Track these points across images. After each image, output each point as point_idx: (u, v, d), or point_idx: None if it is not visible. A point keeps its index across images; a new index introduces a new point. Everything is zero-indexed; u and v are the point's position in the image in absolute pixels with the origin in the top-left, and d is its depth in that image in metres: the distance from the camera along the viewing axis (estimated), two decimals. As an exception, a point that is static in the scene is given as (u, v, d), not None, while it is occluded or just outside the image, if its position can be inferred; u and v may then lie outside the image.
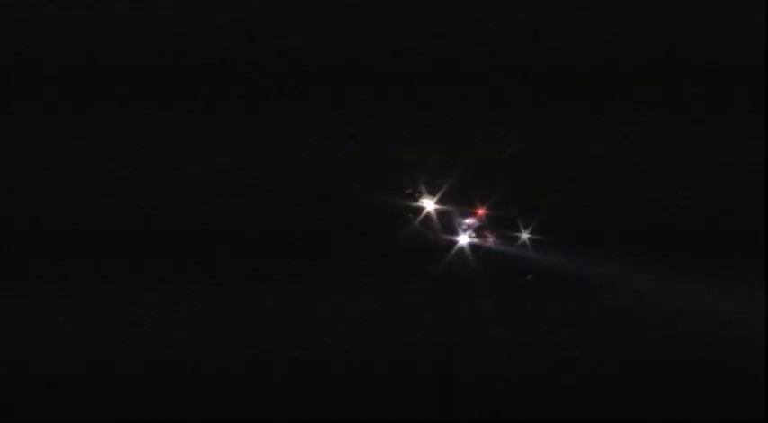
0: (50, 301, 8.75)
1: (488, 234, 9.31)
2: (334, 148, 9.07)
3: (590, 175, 9.08)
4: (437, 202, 9.27)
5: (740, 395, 8.61)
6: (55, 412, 8.63)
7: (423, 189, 9.22)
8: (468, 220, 9.40)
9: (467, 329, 9.10)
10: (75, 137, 8.89)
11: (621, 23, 8.97)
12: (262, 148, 8.98)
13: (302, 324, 8.97)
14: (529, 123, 9.16)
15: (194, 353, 8.81)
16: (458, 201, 9.25)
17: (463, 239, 9.39)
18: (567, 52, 8.96)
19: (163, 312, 8.83)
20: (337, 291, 9.01)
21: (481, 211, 9.31)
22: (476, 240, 9.36)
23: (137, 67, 8.89)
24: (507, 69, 9.03)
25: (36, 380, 8.68)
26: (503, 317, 9.02)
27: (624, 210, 9.07)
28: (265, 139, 9.02)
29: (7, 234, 8.80)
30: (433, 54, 9.01)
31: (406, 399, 8.90)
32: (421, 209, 9.27)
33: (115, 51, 8.84)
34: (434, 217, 9.27)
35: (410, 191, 9.26)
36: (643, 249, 8.96)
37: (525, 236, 9.16)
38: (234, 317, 8.89)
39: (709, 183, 8.95)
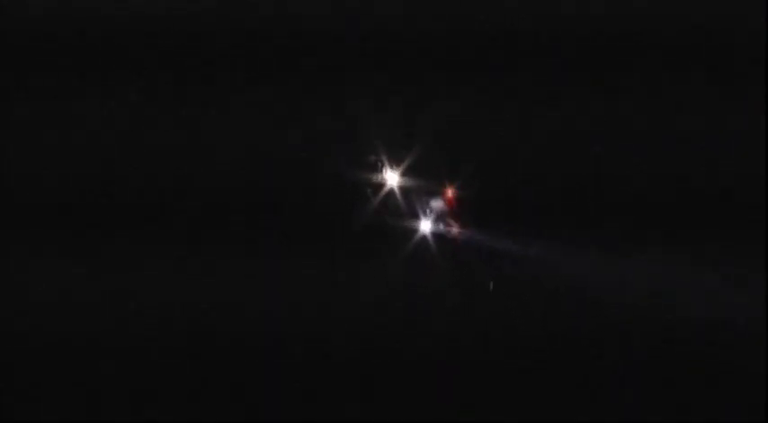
0: (51, 271, 8.75)
1: (453, 223, 8.32)
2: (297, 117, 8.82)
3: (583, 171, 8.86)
4: (401, 176, 8.32)
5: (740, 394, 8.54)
6: (58, 380, 8.61)
7: (385, 160, 8.34)
8: (435, 203, 8.48)
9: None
10: (82, 105, 8.92)
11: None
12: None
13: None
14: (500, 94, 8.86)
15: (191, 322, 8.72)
16: (422, 174, 8.32)
17: (425, 226, 8.43)
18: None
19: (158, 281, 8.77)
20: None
21: (450, 194, 8.37)
22: (439, 228, 8.37)
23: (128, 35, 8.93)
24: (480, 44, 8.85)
25: (41, 347, 8.67)
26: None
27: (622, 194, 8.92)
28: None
29: (12, 205, 8.80)
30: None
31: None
32: (382, 184, 8.36)
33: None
34: (396, 195, 8.31)
35: (373, 160, 8.42)
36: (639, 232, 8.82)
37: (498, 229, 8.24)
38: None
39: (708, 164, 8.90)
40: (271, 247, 8.69)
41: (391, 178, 8.35)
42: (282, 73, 8.87)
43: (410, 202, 8.37)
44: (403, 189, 8.33)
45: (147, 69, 8.93)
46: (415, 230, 8.41)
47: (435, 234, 8.40)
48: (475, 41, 8.85)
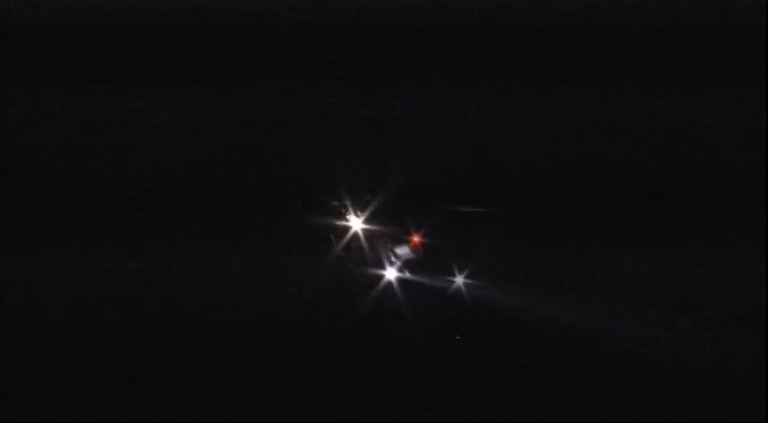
0: (50, 259, 8.76)
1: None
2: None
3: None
4: (365, 222, 7.86)
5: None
6: (54, 368, 8.62)
7: (348, 203, 7.88)
8: (400, 250, 8.03)
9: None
10: (85, 93, 8.92)
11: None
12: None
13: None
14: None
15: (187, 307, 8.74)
16: (387, 219, 7.83)
17: (391, 273, 7.95)
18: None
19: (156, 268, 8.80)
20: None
21: (417, 240, 7.92)
22: (406, 275, 7.90)
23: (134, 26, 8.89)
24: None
25: (38, 334, 8.69)
26: None
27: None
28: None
29: (11, 191, 8.84)
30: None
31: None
32: (346, 229, 7.91)
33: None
34: (361, 240, 7.85)
35: (336, 204, 8.02)
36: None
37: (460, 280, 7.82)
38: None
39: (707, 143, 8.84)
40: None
41: (355, 223, 8.01)
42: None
43: (375, 248, 8.03)
44: (367, 234, 7.99)
45: (145, 66, 8.97)
46: (380, 277, 8.08)
47: (401, 281, 8.05)
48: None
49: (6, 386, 8.58)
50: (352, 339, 8.45)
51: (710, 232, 8.73)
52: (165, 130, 8.96)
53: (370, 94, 8.78)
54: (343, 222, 7.92)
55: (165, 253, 8.79)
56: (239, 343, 8.74)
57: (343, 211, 7.91)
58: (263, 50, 8.96)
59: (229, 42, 8.99)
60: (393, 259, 7.98)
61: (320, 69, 8.94)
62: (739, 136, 8.85)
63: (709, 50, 8.84)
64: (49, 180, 8.89)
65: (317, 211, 8.17)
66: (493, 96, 8.90)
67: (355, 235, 7.88)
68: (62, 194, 8.88)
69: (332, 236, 7.96)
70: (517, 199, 8.79)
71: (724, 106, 8.84)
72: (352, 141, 8.58)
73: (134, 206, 8.88)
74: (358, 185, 8.00)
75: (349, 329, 8.44)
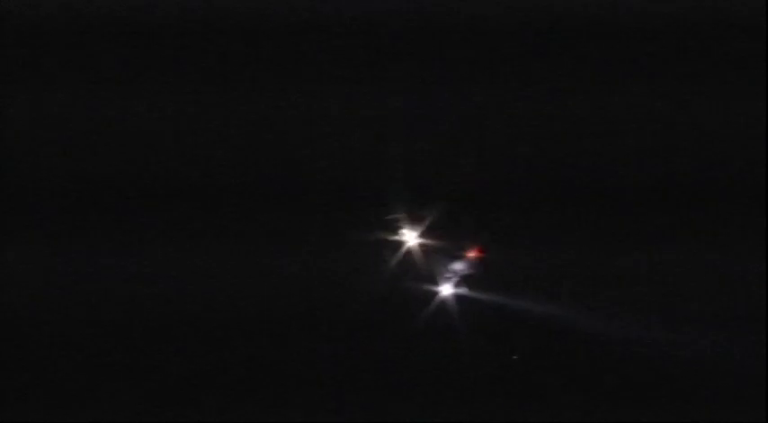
0: (50, 259, 8.75)
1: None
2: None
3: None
4: (421, 236, 7.53)
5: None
6: (54, 367, 8.61)
7: (404, 218, 7.58)
8: (458, 266, 7.80)
9: None
10: (85, 93, 8.93)
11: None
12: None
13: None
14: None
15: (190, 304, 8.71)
16: (444, 234, 7.54)
17: (447, 290, 7.68)
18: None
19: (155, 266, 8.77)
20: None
21: (475, 254, 7.68)
22: (463, 291, 7.61)
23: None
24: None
25: (38, 334, 8.68)
26: None
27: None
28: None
29: (11, 191, 8.84)
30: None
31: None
32: (401, 244, 7.63)
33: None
34: (417, 257, 7.54)
35: (390, 218, 7.75)
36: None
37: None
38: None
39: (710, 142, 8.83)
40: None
41: (410, 237, 7.74)
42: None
43: (431, 264, 7.77)
44: (423, 249, 7.73)
45: (143, 65, 8.97)
46: (436, 293, 7.81)
47: (458, 297, 7.80)
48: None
49: (6, 386, 8.57)
50: (352, 339, 8.42)
51: (710, 232, 8.71)
52: (165, 129, 8.95)
53: (370, 94, 8.78)
54: (398, 237, 7.62)
55: (164, 253, 8.77)
56: (239, 342, 8.73)
57: (398, 225, 7.67)
58: (264, 50, 8.96)
59: (229, 42, 8.98)
60: (449, 275, 7.76)
61: (320, 69, 8.93)
62: (739, 136, 8.84)
63: (709, 51, 8.84)
64: (49, 180, 8.87)
65: (372, 223, 7.97)
66: (492, 97, 8.90)
67: (411, 250, 7.58)
68: (62, 194, 8.87)
69: (386, 252, 7.74)
70: (517, 199, 8.79)
71: (724, 106, 8.84)
72: (351, 140, 8.55)
73: (134, 206, 8.87)
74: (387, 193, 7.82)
75: (349, 329, 8.40)
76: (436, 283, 7.79)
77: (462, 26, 8.90)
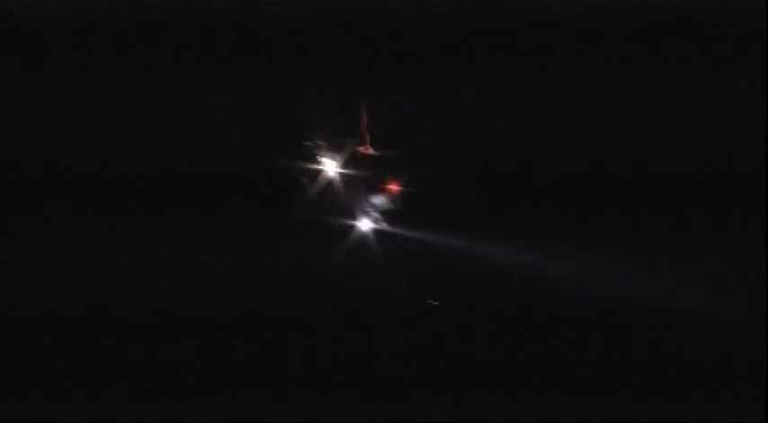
0: (50, 258, 8.76)
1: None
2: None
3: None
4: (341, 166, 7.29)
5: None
6: (53, 366, 8.61)
7: (323, 144, 7.34)
8: (377, 199, 7.57)
9: None
10: (84, 93, 8.96)
11: None
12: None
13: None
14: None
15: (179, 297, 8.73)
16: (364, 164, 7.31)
17: (365, 224, 7.42)
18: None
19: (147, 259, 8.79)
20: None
21: (394, 187, 7.45)
22: (381, 225, 7.32)
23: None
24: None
25: (38, 332, 8.68)
26: None
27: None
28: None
29: (11, 190, 8.87)
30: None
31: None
32: (320, 172, 7.41)
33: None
34: (335, 186, 7.30)
35: (308, 144, 7.56)
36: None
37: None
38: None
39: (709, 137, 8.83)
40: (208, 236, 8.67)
41: (331, 168, 7.44)
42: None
43: (350, 196, 7.46)
44: (343, 181, 7.44)
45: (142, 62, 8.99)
46: (353, 227, 7.47)
47: (376, 231, 7.42)
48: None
49: (6, 386, 8.56)
50: (352, 340, 8.42)
51: (710, 232, 8.71)
52: (166, 129, 8.96)
53: (370, 91, 8.79)
54: (317, 166, 7.35)
55: (163, 250, 8.78)
56: (238, 341, 8.73)
57: (317, 151, 7.39)
58: (264, 49, 8.96)
59: (230, 41, 8.99)
60: (368, 208, 7.45)
61: (321, 65, 8.94)
62: (739, 136, 8.84)
63: (708, 50, 8.85)
64: (49, 179, 8.90)
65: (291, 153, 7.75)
66: (492, 96, 8.90)
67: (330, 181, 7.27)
68: (62, 194, 8.90)
69: (305, 180, 7.51)
70: (516, 198, 8.79)
71: (724, 106, 8.84)
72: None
73: (133, 205, 8.89)
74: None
75: (349, 330, 8.40)
76: (354, 216, 7.50)
77: (462, 26, 8.91)
